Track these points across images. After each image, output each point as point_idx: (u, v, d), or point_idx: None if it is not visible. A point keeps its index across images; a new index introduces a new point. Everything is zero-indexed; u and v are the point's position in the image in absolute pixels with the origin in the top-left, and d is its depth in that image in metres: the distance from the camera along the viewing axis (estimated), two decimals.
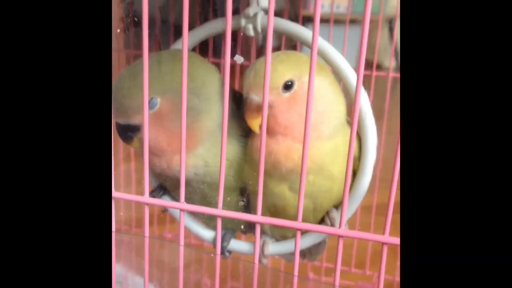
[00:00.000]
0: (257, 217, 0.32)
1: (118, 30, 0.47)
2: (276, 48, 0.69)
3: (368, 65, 0.70)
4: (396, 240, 0.30)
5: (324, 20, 0.75)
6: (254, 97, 0.41)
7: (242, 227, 0.50)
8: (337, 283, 0.31)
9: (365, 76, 0.67)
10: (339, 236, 0.31)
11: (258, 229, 0.33)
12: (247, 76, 0.41)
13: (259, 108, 0.40)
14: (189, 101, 0.40)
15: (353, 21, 0.76)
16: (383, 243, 0.30)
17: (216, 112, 0.42)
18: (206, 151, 0.43)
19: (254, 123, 0.42)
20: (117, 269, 0.84)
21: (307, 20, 0.77)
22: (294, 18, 0.79)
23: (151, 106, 0.41)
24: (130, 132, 0.42)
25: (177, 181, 0.34)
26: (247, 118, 0.43)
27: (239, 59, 0.42)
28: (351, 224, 0.50)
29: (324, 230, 0.31)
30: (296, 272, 0.32)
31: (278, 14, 0.73)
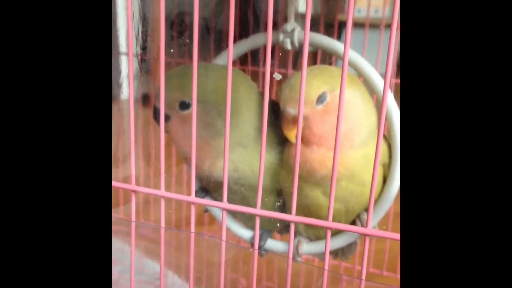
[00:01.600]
0: (291, 217, 0.36)
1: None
2: (313, 56, 0.73)
3: None
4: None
5: (361, 25, 0.77)
6: (291, 110, 0.44)
7: (278, 225, 0.53)
8: (363, 276, 0.34)
9: (397, 85, 0.70)
10: (365, 235, 0.34)
11: (292, 228, 0.36)
12: (283, 91, 0.45)
13: (295, 120, 0.43)
14: (222, 112, 0.43)
15: (389, 26, 0.76)
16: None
17: (250, 123, 0.46)
18: (238, 156, 0.47)
19: (291, 134, 0.45)
20: (157, 267, 0.88)
21: (344, 25, 0.79)
22: (331, 23, 0.82)
23: (182, 108, 0.45)
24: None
25: (214, 182, 0.38)
26: (284, 129, 0.46)
27: (277, 76, 0.46)
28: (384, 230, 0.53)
29: (352, 229, 0.34)
30: (326, 267, 0.35)
31: (314, 19, 0.76)
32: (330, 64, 0.57)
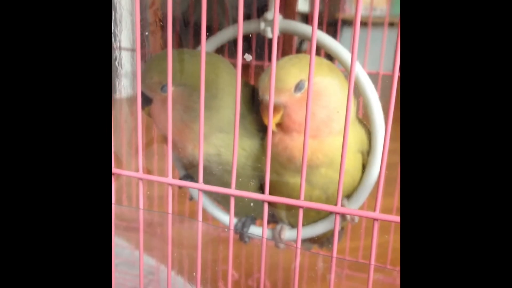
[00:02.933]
0: (264, 196, 0.36)
1: (147, 33, 0.53)
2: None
3: None
4: (388, 217, 0.34)
5: (362, 23, 0.78)
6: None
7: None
8: (334, 254, 0.34)
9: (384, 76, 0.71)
10: (336, 213, 0.35)
11: (266, 207, 0.37)
12: (262, 79, 0.46)
13: (274, 109, 0.44)
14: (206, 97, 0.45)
15: (391, 24, 0.78)
16: (374, 219, 0.34)
17: (231, 108, 0.47)
18: (220, 140, 0.48)
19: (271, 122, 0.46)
20: (150, 260, 0.89)
21: (345, 23, 0.81)
22: (332, 22, 0.83)
23: (163, 91, 0.47)
24: (144, 100, 0.48)
25: (195, 165, 0.39)
26: (263, 116, 0.47)
27: (248, 57, 0.47)
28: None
29: (323, 208, 0.35)
30: (298, 245, 0.36)
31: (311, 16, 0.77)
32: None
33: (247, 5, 0.41)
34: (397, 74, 0.32)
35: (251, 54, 0.46)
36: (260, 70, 0.72)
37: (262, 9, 0.59)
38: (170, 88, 0.38)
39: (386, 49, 0.74)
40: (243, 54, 0.38)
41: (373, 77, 0.77)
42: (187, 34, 0.65)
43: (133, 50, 0.79)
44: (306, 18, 0.82)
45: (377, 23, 0.82)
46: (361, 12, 0.33)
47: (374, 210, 0.34)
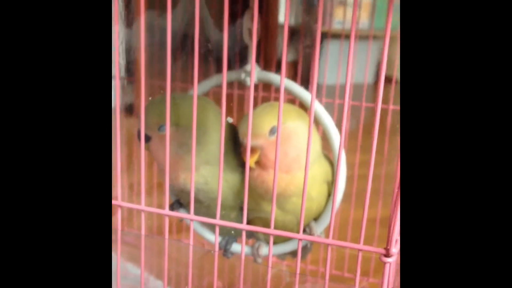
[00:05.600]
0: (243, 226, 0.46)
1: None
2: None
3: (388, 80, 0.80)
4: (340, 243, 0.43)
5: (344, 36, 0.84)
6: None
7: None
8: (298, 271, 0.44)
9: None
10: (299, 239, 0.44)
11: (244, 235, 0.46)
12: (242, 125, 0.55)
13: (252, 150, 0.54)
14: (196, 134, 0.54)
15: (375, 37, 0.83)
16: (328, 244, 0.43)
17: (217, 144, 0.56)
18: (208, 172, 0.57)
19: (250, 161, 0.55)
20: (139, 271, 0.97)
21: (325, 36, 0.87)
22: (310, 35, 0.90)
23: (161, 130, 0.55)
24: (145, 138, 0.56)
25: (188, 195, 0.47)
26: (243, 156, 0.56)
27: (229, 119, 0.57)
28: (357, 236, 0.61)
29: (288, 235, 0.44)
30: (270, 264, 0.45)
31: (295, 29, 0.84)
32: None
33: (229, 50, 0.50)
34: (347, 100, 0.39)
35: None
36: (242, 102, 0.82)
37: (244, 56, 0.69)
38: (168, 129, 0.46)
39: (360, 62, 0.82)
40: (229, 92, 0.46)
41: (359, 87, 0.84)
42: (175, 72, 0.74)
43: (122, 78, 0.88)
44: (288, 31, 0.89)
45: (360, 37, 0.89)
46: (342, 26, 0.39)
47: (327, 236, 0.43)
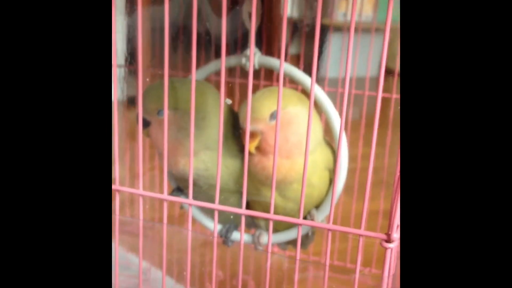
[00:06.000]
0: (241, 210, 0.45)
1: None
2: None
3: (390, 72, 0.78)
4: (341, 228, 0.42)
5: (347, 28, 0.83)
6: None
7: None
8: (298, 257, 0.43)
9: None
10: (299, 224, 0.43)
11: (243, 220, 0.45)
12: (241, 111, 0.54)
13: (252, 135, 0.53)
14: (196, 119, 0.53)
15: (377, 30, 0.84)
16: (328, 230, 0.43)
17: (217, 129, 0.55)
18: (208, 157, 0.56)
19: (250, 146, 0.54)
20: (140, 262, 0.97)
21: (328, 29, 0.87)
22: (312, 27, 0.89)
23: (160, 115, 0.55)
24: (144, 123, 0.56)
25: (187, 182, 0.47)
26: (243, 141, 0.55)
27: (228, 101, 0.56)
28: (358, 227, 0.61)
29: (289, 220, 0.44)
30: (269, 250, 0.44)
31: (298, 22, 0.83)
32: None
33: (230, 34, 0.49)
34: (347, 89, 0.38)
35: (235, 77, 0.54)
36: (245, 88, 0.81)
37: (245, 40, 0.68)
38: (166, 113, 0.45)
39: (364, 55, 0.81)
40: (229, 80, 0.46)
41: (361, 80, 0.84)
42: (176, 60, 0.74)
43: (120, 66, 0.87)
44: (292, 24, 0.89)
45: (364, 29, 0.89)
46: (346, 18, 0.38)
47: (328, 222, 0.42)
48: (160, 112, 0.55)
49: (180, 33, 0.78)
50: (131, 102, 0.84)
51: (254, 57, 0.57)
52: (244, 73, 0.80)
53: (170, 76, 0.44)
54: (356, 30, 0.82)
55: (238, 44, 0.71)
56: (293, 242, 0.68)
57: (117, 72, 0.90)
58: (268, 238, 0.45)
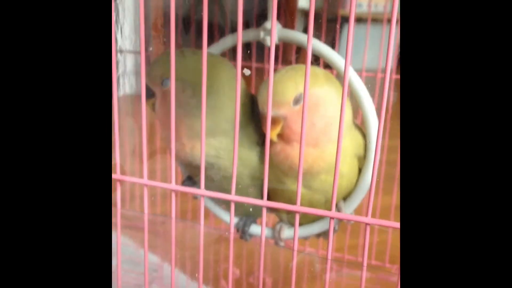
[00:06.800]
0: (263, 202, 0.38)
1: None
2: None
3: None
4: (379, 221, 0.36)
5: (362, 20, 0.80)
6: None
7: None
8: (329, 256, 0.36)
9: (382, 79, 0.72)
10: (330, 218, 0.37)
11: (264, 211, 0.39)
12: (261, 93, 0.47)
13: (274, 121, 0.46)
14: (197, 92, 0.46)
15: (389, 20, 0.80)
16: (366, 224, 0.36)
17: (231, 110, 0.48)
18: (218, 142, 0.49)
19: (271, 134, 0.47)
20: (153, 258, 0.91)
21: (345, 20, 0.82)
22: (332, 18, 0.84)
23: (164, 84, 0.48)
24: (148, 93, 0.50)
25: (197, 169, 0.40)
26: (264, 128, 0.49)
27: (246, 71, 0.49)
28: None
29: (319, 213, 0.37)
30: (295, 247, 0.38)
31: (317, 13, 0.78)
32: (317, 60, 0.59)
33: (246, 12, 0.43)
34: (388, 74, 0.33)
35: (251, 59, 0.48)
36: (260, 74, 0.74)
37: (262, 17, 0.61)
38: (173, 84, 0.39)
39: (384, 47, 0.76)
40: (243, 64, 0.40)
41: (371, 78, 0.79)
42: (189, 39, 0.67)
43: (136, 52, 0.81)
44: (307, 15, 0.84)
45: (377, 20, 0.85)
46: (361, 10, 0.34)
47: (366, 215, 0.35)
48: (165, 81, 0.48)
49: (192, 11, 0.72)
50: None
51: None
52: (259, 56, 0.73)
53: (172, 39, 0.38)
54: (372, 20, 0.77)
55: (254, 21, 0.64)
56: (319, 234, 0.61)
57: (128, 59, 0.84)
58: (294, 234, 0.38)
